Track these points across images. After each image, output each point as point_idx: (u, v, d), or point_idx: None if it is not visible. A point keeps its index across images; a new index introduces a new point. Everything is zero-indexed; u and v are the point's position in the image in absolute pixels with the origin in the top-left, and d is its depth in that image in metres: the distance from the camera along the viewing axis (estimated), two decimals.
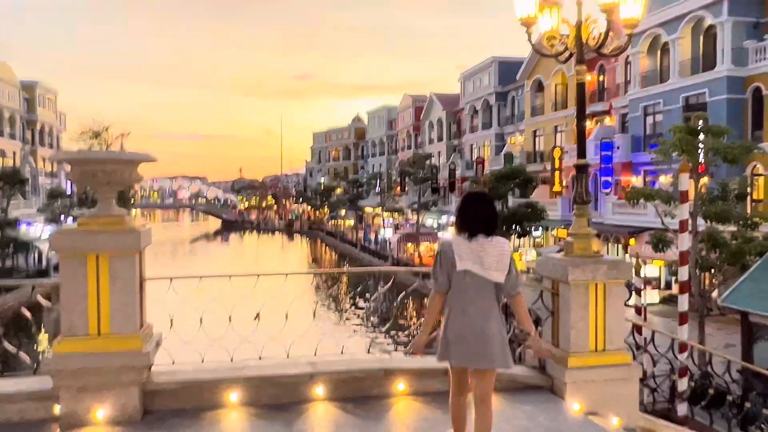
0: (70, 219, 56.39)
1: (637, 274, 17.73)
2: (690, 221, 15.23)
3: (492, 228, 3.76)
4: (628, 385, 4.77)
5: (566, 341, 4.80)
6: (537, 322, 5.09)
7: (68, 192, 63.77)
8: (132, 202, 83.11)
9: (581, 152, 5.17)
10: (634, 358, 5.27)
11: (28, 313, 4.64)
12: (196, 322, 4.69)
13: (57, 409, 4.16)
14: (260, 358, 4.81)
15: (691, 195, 16.32)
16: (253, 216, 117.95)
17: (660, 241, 18.17)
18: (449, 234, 5.15)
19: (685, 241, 14.70)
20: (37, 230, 53.36)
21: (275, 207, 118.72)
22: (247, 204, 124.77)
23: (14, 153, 60.10)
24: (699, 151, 16.97)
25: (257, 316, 4.74)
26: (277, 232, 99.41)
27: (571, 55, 5.06)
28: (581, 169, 5.06)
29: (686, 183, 14.60)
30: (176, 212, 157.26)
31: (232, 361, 4.77)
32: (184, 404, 4.43)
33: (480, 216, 3.73)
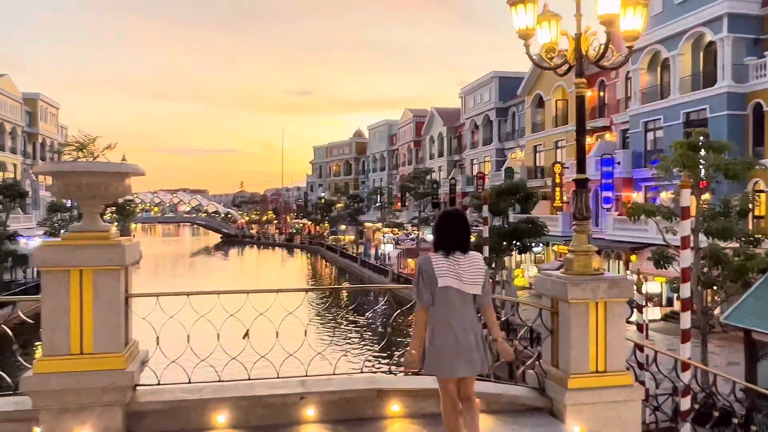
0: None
1: (639, 290, 17.55)
2: (692, 237, 15.10)
3: (467, 244, 3.99)
4: (630, 407, 4.61)
5: (566, 362, 4.65)
6: (537, 340, 4.95)
7: (68, 205, 63.85)
8: (132, 216, 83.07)
9: (581, 167, 5.05)
10: (636, 377, 5.10)
11: (8, 330, 4.48)
12: (184, 339, 4.54)
13: (36, 431, 4.01)
14: (249, 378, 4.66)
15: (693, 211, 16.21)
16: (254, 230, 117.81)
17: (661, 258, 18.01)
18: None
19: (686, 258, 14.50)
20: (33, 244, 53.24)
21: (276, 221, 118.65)
22: (247, 218, 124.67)
23: (15, 166, 60.15)
24: (700, 166, 16.85)
25: (246, 334, 4.58)
26: (277, 247, 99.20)
27: (570, 68, 4.95)
28: (581, 184, 4.94)
29: (688, 199, 14.47)
30: (176, 226, 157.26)
31: (220, 380, 4.61)
32: (169, 426, 4.28)
33: (456, 234, 3.95)
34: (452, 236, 3.95)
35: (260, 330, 4.85)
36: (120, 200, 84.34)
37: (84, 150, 4.08)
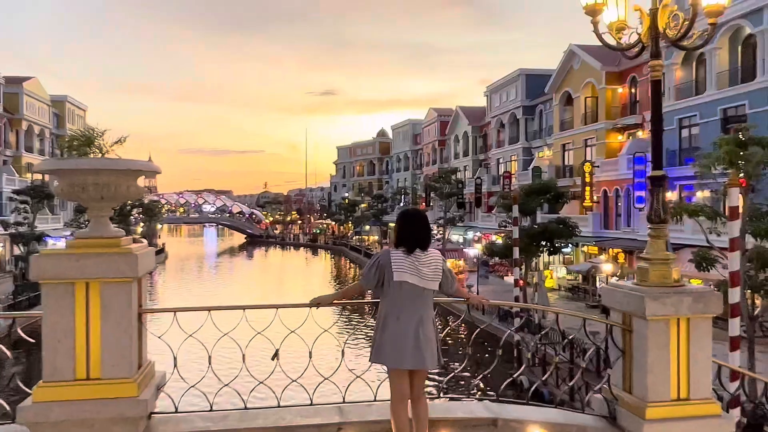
0: None
1: None
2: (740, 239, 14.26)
3: (427, 243, 4.18)
4: None
5: (642, 388, 4.02)
6: (606, 361, 4.34)
7: None
8: (158, 216, 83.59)
9: (657, 161, 4.41)
10: None
11: (5, 350, 3.98)
12: (205, 360, 4.00)
13: None
14: (279, 405, 4.10)
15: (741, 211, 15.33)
16: (278, 230, 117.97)
17: (704, 260, 17.11)
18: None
19: (735, 261, 13.73)
20: (61, 245, 53.61)
21: (300, 221, 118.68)
22: (271, 218, 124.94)
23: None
24: (749, 164, 15.95)
25: (276, 354, 4.02)
26: (301, 247, 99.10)
27: (642, 49, 4.32)
28: (657, 182, 4.29)
29: (736, 198, 13.66)
30: (201, 227, 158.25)
31: (245, 407, 4.07)
32: None
33: (416, 233, 4.13)
34: (414, 235, 4.12)
35: (291, 349, 4.30)
36: (146, 200, 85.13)
37: (92, 146, 3.55)
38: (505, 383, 5.16)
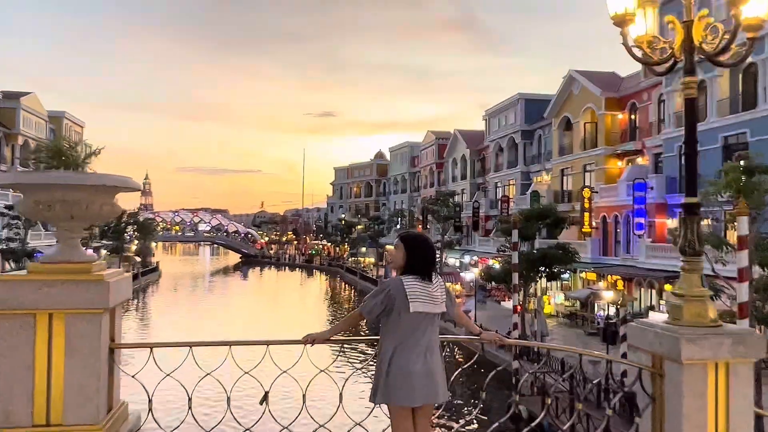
0: (90, 251, 56.10)
1: None
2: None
3: (435, 268, 4.04)
4: None
5: None
6: (634, 405, 3.89)
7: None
8: (153, 234, 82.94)
9: (691, 186, 4.02)
10: None
11: None
12: (186, 401, 3.54)
13: None
14: None
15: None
16: (273, 250, 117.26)
17: (709, 290, 16.69)
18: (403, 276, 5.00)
19: (744, 292, 13.37)
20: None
21: (295, 242, 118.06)
22: (267, 238, 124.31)
23: None
24: (757, 192, 15.63)
25: (265, 397, 3.56)
26: (296, 268, 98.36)
27: (674, 65, 3.95)
28: (691, 210, 3.90)
29: (746, 227, 13.33)
30: (196, 246, 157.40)
31: None
32: None
33: (430, 257, 3.94)
34: (427, 259, 3.92)
35: (282, 391, 3.84)
36: (140, 218, 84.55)
37: (64, 158, 3.14)
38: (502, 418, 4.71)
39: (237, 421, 3.43)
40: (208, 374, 3.44)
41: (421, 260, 3.87)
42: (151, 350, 3.46)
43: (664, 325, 3.76)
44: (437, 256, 4.06)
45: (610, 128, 39.00)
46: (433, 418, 3.88)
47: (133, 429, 3.43)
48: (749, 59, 27.85)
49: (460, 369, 4.47)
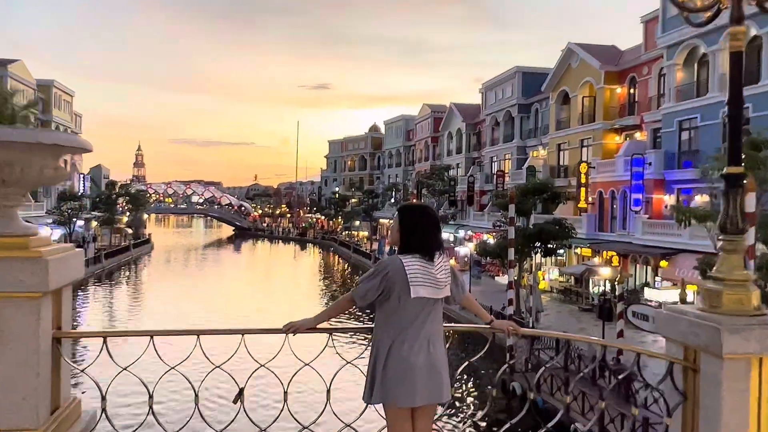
0: (80, 222, 55.41)
1: (683, 303, 15.90)
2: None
3: (441, 244, 3.45)
4: None
5: None
6: (630, 386, 3.43)
7: (82, 192, 62.85)
8: (145, 206, 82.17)
9: (735, 154, 3.50)
10: None
11: None
12: (155, 395, 3.03)
13: None
14: None
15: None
16: (266, 223, 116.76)
17: (710, 267, 16.31)
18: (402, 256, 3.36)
19: (750, 270, 13.01)
20: (43, 232, 52.32)
21: (289, 215, 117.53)
22: (261, 211, 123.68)
23: None
24: (764, 168, 15.17)
25: (239, 395, 3.04)
26: (290, 241, 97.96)
27: (717, 14, 3.43)
28: (734, 181, 3.40)
29: (753, 203, 12.91)
30: (189, 218, 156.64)
31: None
32: None
33: (432, 232, 3.37)
34: (432, 235, 3.35)
35: (260, 387, 3.35)
36: (132, 190, 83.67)
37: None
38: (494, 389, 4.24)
39: (206, 423, 2.94)
40: (172, 368, 2.94)
41: (421, 235, 3.31)
42: (105, 341, 2.95)
43: (699, 313, 3.28)
44: (439, 234, 3.47)
45: (609, 102, 38.35)
46: (435, 420, 3.37)
47: (89, 426, 2.93)
48: (753, 32, 27.20)
49: (467, 363, 3.94)
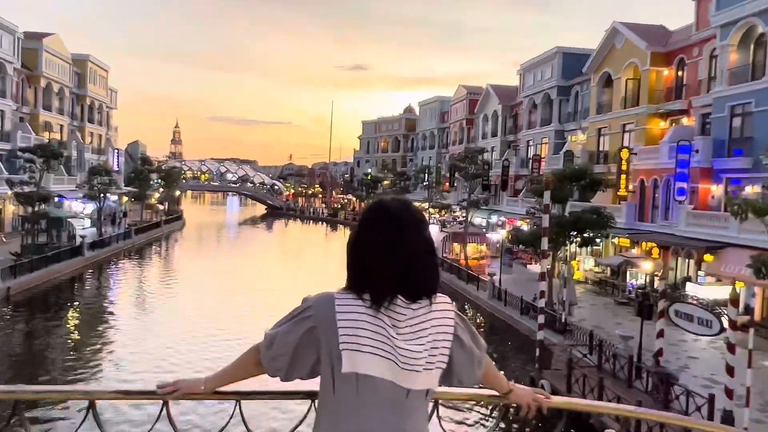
0: (113, 196, 55.63)
1: (734, 303, 14.49)
2: None
3: (430, 281, 1.83)
4: None
5: None
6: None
7: (114, 169, 63.14)
8: (177, 182, 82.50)
9: None
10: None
11: None
12: None
13: None
14: None
15: None
16: (299, 203, 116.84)
17: (764, 265, 14.86)
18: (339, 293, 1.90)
19: None
20: (76, 206, 52.64)
21: (321, 195, 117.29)
22: (293, 191, 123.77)
23: (61, 127, 59.72)
24: None
25: None
26: (321, 222, 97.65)
27: None
28: None
29: None
30: (224, 195, 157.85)
31: None
32: None
33: (403, 255, 1.80)
34: (397, 259, 1.79)
35: None
36: (164, 167, 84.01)
37: None
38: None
39: None
40: None
41: (382, 259, 1.81)
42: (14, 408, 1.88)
43: None
44: (435, 244, 1.91)
45: (654, 85, 36.35)
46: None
47: None
48: (760, 29, 25.24)
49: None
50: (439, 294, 1.83)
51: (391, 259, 1.78)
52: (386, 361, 1.74)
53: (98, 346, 24.02)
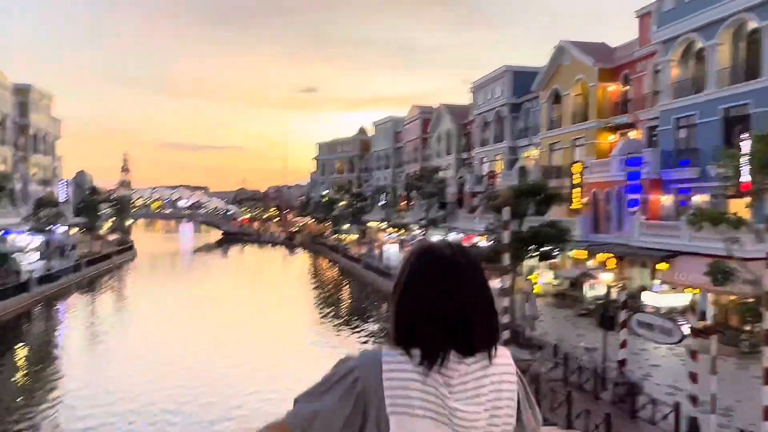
0: (61, 228, 53.73)
1: (693, 311, 14.77)
2: None
3: (489, 333, 1.58)
4: None
5: None
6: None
7: (61, 200, 61.15)
8: (128, 212, 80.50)
9: None
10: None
11: None
12: None
13: None
14: None
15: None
16: (255, 227, 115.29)
17: (721, 272, 15.21)
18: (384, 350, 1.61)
19: None
20: (22, 240, 50.66)
21: (277, 219, 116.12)
22: (249, 215, 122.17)
23: (5, 158, 57.56)
24: None
25: None
26: (278, 245, 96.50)
27: None
28: None
29: None
30: (176, 223, 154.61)
31: None
32: None
33: (459, 306, 1.56)
34: (452, 312, 1.56)
35: None
36: (117, 195, 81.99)
37: None
38: None
39: None
40: None
41: (425, 318, 1.58)
42: None
43: None
44: (490, 309, 1.61)
45: (602, 101, 37.37)
46: None
47: None
48: (753, 24, 26.25)
49: None
50: (499, 347, 1.62)
51: (445, 311, 1.57)
52: (440, 425, 1.51)
53: (47, 388, 22.93)
